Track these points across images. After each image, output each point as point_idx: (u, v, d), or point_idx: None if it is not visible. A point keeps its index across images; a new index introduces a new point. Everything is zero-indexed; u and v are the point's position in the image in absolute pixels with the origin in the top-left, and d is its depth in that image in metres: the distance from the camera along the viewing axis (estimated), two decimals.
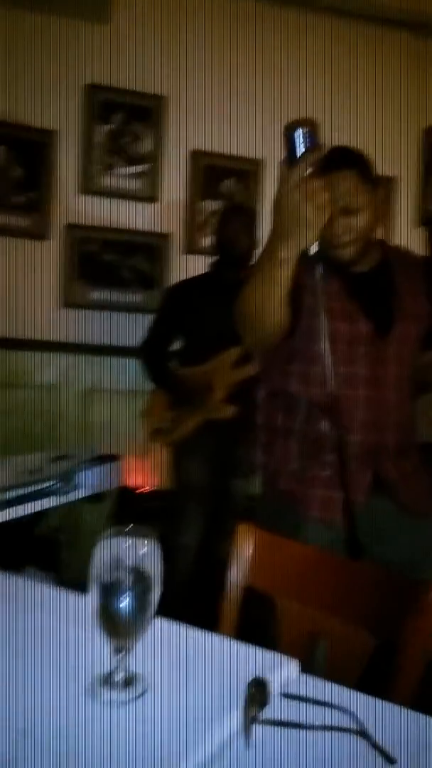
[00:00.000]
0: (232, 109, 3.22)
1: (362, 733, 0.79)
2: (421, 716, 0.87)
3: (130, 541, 0.88)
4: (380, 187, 1.52)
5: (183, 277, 2.81)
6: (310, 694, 0.91)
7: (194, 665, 0.96)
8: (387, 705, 0.90)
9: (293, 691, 0.92)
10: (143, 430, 2.64)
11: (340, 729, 0.81)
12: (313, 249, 1.21)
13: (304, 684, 0.95)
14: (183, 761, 0.75)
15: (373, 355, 1.49)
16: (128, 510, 2.72)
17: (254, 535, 1.32)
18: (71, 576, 2.36)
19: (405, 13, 3.34)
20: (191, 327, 2.59)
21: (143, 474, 2.70)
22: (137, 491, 2.78)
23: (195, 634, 1.05)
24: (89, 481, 2.27)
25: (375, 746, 0.77)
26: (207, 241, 3.19)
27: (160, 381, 2.62)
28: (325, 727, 0.82)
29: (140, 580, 0.86)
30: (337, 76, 3.32)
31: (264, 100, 3.25)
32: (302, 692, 0.91)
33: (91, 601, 0.87)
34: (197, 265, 3.07)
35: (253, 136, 3.25)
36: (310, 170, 1.16)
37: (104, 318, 3.15)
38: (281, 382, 1.56)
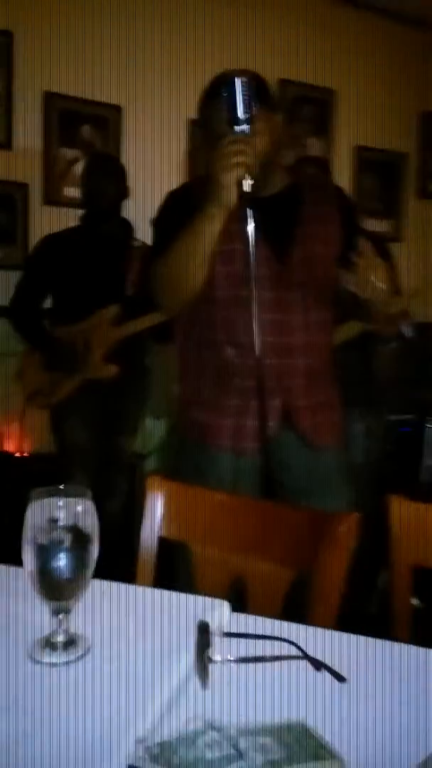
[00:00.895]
0: (87, 49, 3.04)
1: (311, 658, 0.83)
2: (352, 636, 0.93)
3: (63, 500, 0.84)
4: (278, 110, 1.49)
5: (45, 230, 2.67)
6: (246, 631, 0.93)
7: (133, 619, 0.95)
8: (319, 630, 0.95)
9: (229, 630, 0.94)
10: (18, 393, 2.52)
11: (296, 657, 0.85)
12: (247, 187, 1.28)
13: (236, 623, 0.97)
14: (141, 712, 0.75)
15: (274, 277, 1.49)
16: (7, 476, 2.60)
17: (164, 487, 1.31)
18: None
19: None
20: (63, 283, 2.48)
21: (20, 438, 2.58)
22: (15, 456, 2.66)
23: (125, 588, 1.04)
24: None
25: (326, 667, 0.81)
26: (68, 191, 3.04)
27: (33, 341, 2.50)
28: (278, 657, 0.84)
29: (78, 538, 0.83)
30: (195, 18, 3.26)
31: (120, 42, 3.11)
32: (238, 630, 0.94)
33: (25, 564, 0.83)
34: (59, 217, 2.92)
35: (110, 80, 3.11)
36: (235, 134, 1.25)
37: None
38: (189, 312, 1.55)
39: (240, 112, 1.23)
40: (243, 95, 1.22)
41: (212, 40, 3.26)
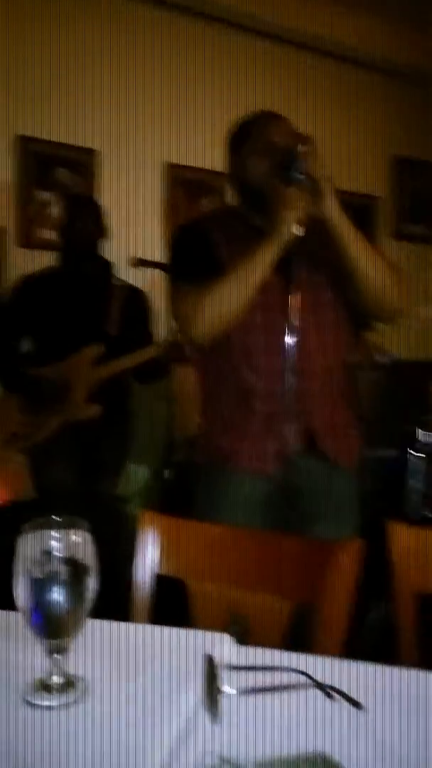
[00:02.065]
0: (62, 93, 3.09)
1: (327, 687, 0.79)
2: (360, 664, 0.89)
3: (59, 532, 0.80)
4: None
5: (20, 272, 2.65)
6: (251, 663, 0.89)
7: (133, 657, 0.90)
8: (327, 659, 0.91)
9: (234, 663, 0.90)
10: None
11: (309, 686, 0.80)
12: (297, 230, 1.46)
13: (239, 656, 0.93)
14: (150, 751, 0.70)
15: (284, 303, 1.53)
16: None
17: (157, 522, 1.27)
18: None
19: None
20: (42, 324, 2.44)
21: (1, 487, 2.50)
22: None
23: (123, 626, 0.99)
24: None
25: (341, 694, 0.77)
26: (44, 233, 3.04)
27: (11, 384, 2.44)
28: (291, 687, 0.80)
29: (75, 571, 0.79)
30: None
31: (93, 87, 3.17)
32: (242, 663, 0.90)
33: (18, 599, 0.78)
34: (35, 259, 2.92)
35: (84, 124, 3.15)
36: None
37: None
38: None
39: (301, 170, 1.43)
40: (303, 158, 1.43)
41: (191, 88, 3.36)
